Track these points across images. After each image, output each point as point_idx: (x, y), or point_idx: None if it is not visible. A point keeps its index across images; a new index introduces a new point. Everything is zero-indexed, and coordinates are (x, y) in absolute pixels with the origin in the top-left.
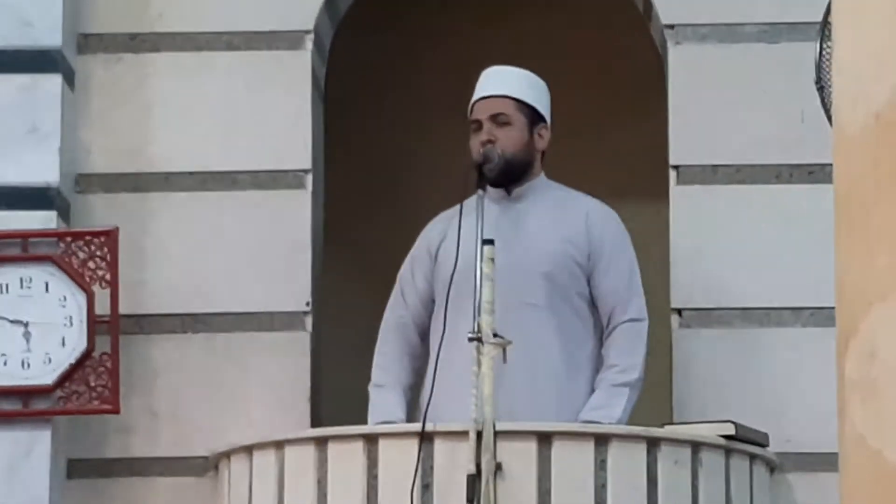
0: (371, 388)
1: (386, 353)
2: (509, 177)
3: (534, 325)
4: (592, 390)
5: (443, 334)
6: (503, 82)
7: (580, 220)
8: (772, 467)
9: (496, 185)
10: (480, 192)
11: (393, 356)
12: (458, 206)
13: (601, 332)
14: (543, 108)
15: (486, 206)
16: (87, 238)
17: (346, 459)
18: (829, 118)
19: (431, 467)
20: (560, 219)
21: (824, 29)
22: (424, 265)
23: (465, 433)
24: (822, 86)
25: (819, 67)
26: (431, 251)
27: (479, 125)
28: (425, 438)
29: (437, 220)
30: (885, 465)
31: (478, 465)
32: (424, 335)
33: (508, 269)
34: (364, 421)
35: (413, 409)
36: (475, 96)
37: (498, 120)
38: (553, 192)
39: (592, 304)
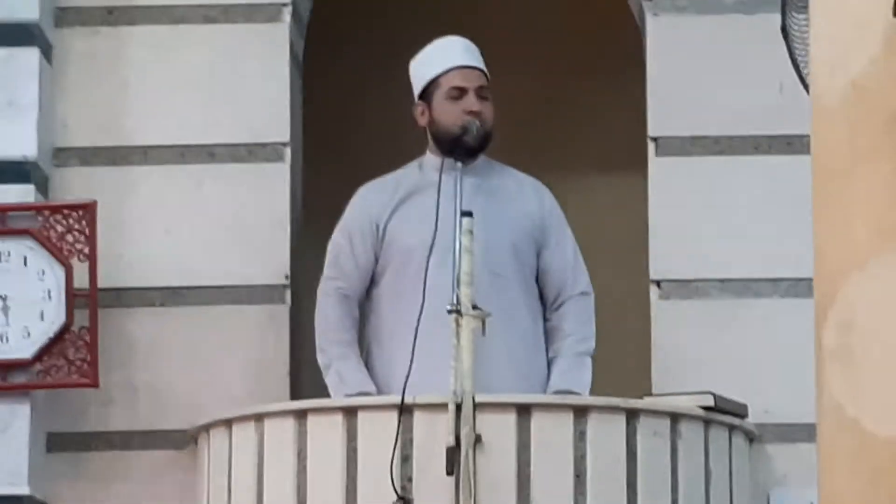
0: (332, 362)
1: (336, 328)
2: (478, 152)
3: (504, 295)
4: (548, 360)
5: (421, 306)
6: (474, 55)
7: (534, 196)
8: (751, 438)
9: (466, 156)
10: (459, 163)
11: (343, 330)
12: (389, 177)
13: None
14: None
15: (450, 177)
16: (66, 212)
17: (326, 432)
18: (796, 65)
19: (411, 440)
20: (518, 193)
21: None
22: (367, 238)
23: (444, 405)
24: (787, 33)
25: (784, 13)
26: (378, 223)
27: (460, 92)
28: (404, 411)
29: (371, 191)
30: (863, 434)
31: (457, 438)
32: (360, 308)
33: (478, 241)
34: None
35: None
36: (449, 62)
37: (481, 93)
38: (501, 169)
39: (537, 278)
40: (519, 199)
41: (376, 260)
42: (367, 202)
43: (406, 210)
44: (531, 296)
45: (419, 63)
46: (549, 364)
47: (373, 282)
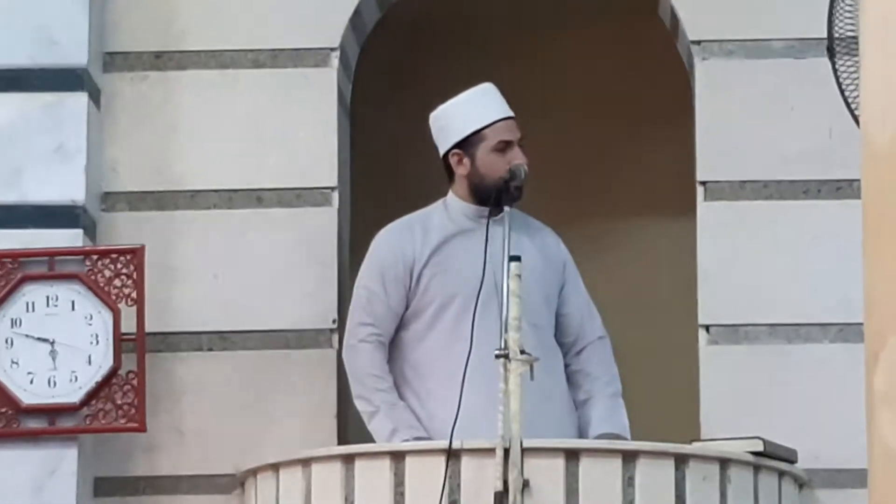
0: (381, 408)
1: (379, 376)
2: (516, 199)
3: (541, 345)
4: (576, 403)
5: (469, 352)
6: (506, 104)
7: (555, 244)
8: (800, 484)
9: (506, 203)
10: (507, 208)
11: (385, 377)
12: (413, 219)
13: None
14: None
15: (471, 225)
16: (114, 256)
17: (373, 477)
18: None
19: (458, 484)
20: (540, 242)
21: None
22: (400, 282)
23: (492, 450)
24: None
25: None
26: (411, 267)
27: (507, 145)
28: (452, 455)
29: (398, 233)
30: None
31: (505, 482)
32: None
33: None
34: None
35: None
36: (493, 115)
37: (520, 143)
38: (520, 217)
39: None
40: (545, 248)
41: (407, 305)
42: (396, 246)
43: (444, 256)
44: (556, 343)
45: (455, 113)
46: (579, 407)
47: (399, 325)
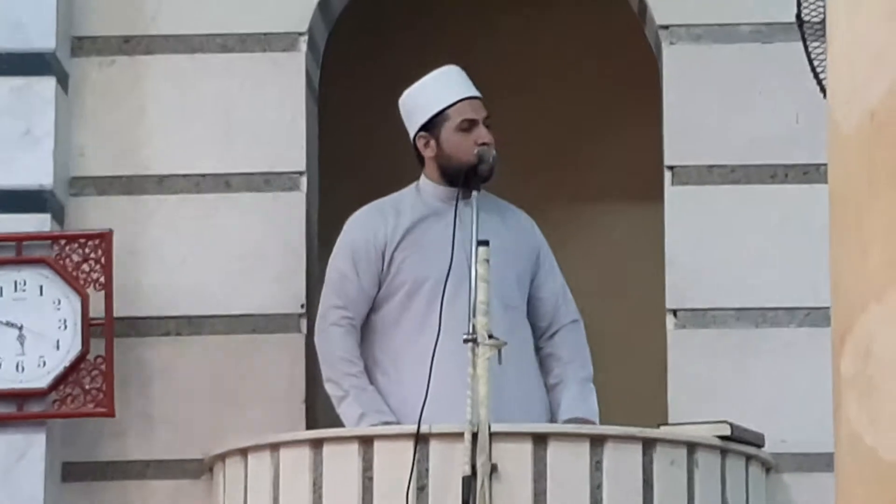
0: (350, 392)
1: (349, 359)
2: (486, 181)
3: (515, 326)
4: (547, 387)
5: (437, 335)
6: (472, 84)
7: (527, 226)
8: (767, 468)
9: (473, 187)
10: (475, 192)
11: (356, 360)
12: (384, 203)
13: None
14: None
15: (443, 208)
16: (82, 241)
17: (342, 461)
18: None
19: (427, 469)
20: (514, 225)
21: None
22: (372, 264)
23: (460, 434)
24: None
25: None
26: (384, 250)
27: (471, 124)
28: (420, 440)
29: (369, 217)
30: (880, 463)
31: (473, 467)
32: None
33: (491, 272)
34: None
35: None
36: (456, 95)
37: (486, 123)
38: (493, 200)
39: None
40: (519, 230)
41: (379, 288)
42: (368, 228)
43: (415, 238)
44: (528, 326)
45: (419, 95)
46: (550, 390)
47: (371, 308)
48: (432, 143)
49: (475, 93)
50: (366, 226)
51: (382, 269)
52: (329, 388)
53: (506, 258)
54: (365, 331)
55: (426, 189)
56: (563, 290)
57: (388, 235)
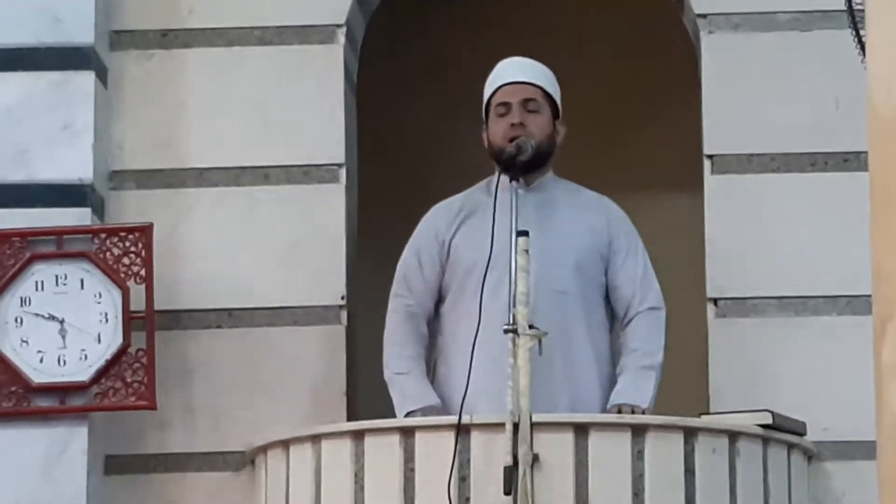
0: (394, 377)
1: (401, 343)
2: (535, 165)
3: (566, 312)
4: (614, 376)
5: (478, 325)
6: (530, 71)
7: (601, 213)
8: (809, 456)
9: (521, 173)
10: (514, 183)
11: (409, 345)
12: (459, 197)
13: (612, 324)
14: (559, 105)
15: (507, 195)
16: (122, 234)
17: (383, 452)
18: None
19: (468, 460)
20: (583, 210)
21: None
22: (434, 255)
23: (501, 425)
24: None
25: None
26: (443, 241)
27: (507, 108)
28: (462, 431)
29: (440, 209)
30: None
31: (514, 457)
32: (429, 325)
33: (539, 258)
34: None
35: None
36: (499, 81)
37: (528, 106)
38: (567, 186)
39: (606, 295)
40: (583, 215)
41: (443, 276)
42: (434, 219)
43: (468, 228)
44: (595, 313)
45: (484, 89)
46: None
47: (440, 299)
48: (484, 134)
49: (519, 77)
50: (433, 217)
51: (444, 260)
52: (385, 373)
53: (561, 244)
54: (435, 322)
55: (493, 178)
56: (644, 277)
57: (448, 225)
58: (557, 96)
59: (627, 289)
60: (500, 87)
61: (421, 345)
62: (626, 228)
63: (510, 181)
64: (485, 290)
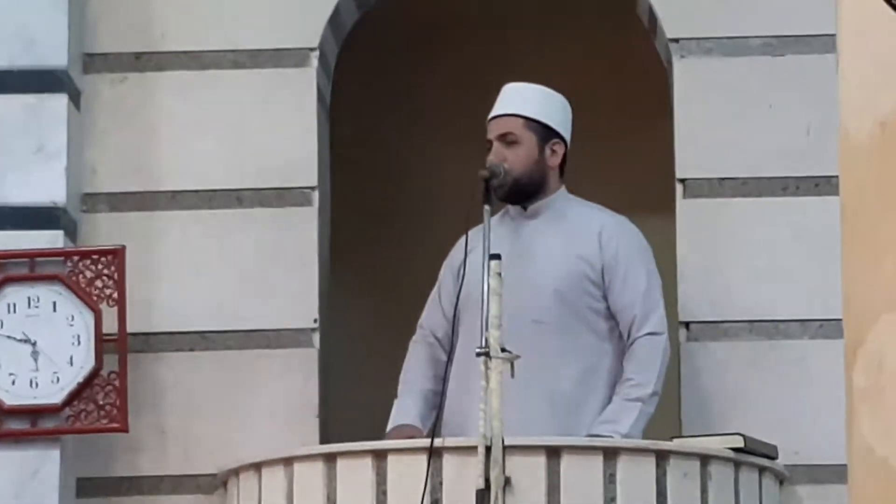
0: (396, 399)
1: (405, 368)
2: (521, 195)
3: (543, 342)
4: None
5: (450, 351)
6: (513, 100)
7: (593, 237)
8: (781, 479)
9: (508, 201)
10: (487, 207)
11: (411, 370)
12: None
13: (623, 347)
14: (557, 123)
15: (506, 222)
16: (94, 257)
17: (355, 475)
18: None
19: (441, 482)
20: (573, 235)
21: None
22: (448, 284)
23: (473, 448)
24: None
25: None
26: (457, 269)
27: (490, 145)
28: (434, 454)
29: (463, 237)
30: (893, 474)
31: (487, 480)
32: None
33: (518, 286)
34: (372, 437)
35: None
36: (490, 115)
37: (506, 139)
38: (570, 208)
39: (612, 319)
40: (573, 241)
41: (457, 304)
42: (456, 248)
43: (473, 256)
44: (585, 340)
45: None
46: None
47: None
48: None
49: (500, 111)
50: (456, 246)
51: (459, 287)
52: None
53: (543, 271)
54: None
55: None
56: (645, 300)
57: (461, 256)
58: (550, 118)
59: (626, 314)
60: (488, 121)
61: (427, 369)
62: (626, 249)
63: (484, 205)
64: (465, 317)
